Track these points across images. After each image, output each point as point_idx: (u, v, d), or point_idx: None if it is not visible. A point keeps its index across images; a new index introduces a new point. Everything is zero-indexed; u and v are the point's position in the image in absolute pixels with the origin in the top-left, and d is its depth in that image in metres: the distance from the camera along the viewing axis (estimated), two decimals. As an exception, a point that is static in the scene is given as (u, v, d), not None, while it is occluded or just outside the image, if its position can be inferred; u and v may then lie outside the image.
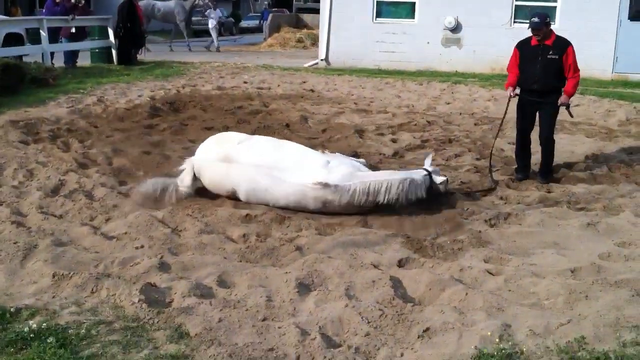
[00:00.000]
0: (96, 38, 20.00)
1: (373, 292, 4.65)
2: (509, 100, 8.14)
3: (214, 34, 27.76)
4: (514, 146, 8.36)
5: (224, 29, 28.57)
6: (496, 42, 19.38)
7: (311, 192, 6.36)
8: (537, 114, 7.98)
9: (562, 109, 7.96)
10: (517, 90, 7.94)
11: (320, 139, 9.98)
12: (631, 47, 19.19)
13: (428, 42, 20.52)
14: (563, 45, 7.68)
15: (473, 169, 8.42)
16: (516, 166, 8.21)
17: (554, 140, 8.05)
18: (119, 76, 16.77)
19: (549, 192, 7.45)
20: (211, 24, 27.63)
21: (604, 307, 4.40)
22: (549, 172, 8.01)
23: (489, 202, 7.09)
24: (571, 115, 8.34)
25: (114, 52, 20.11)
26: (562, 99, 7.77)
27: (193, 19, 29.48)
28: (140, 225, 5.92)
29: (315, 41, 28.59)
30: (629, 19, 19.32)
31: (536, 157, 8.17)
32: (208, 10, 27.98)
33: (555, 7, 19.60)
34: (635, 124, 11.72)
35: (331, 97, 14.58)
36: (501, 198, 7.25)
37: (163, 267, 5.00)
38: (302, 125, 11.05)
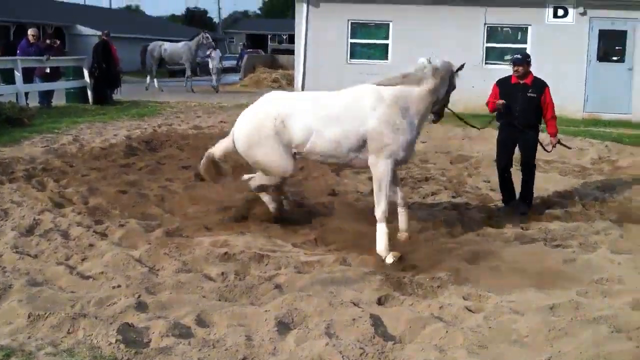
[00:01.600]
0: (71, 78, 20.01)
1: (353, 331, 4.62)
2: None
3: (216, 73, 28.17)
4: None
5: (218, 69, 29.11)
6: (468, 82, 19.59)
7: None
8: (517, 146, 8.41)
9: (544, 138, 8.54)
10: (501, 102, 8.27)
11: (297, 176, 9.98)
12: (600, 87, 19.67)
13: (402, 83, 20.80)
14: (541, 85, 8.24)
15: (450, 206, 8.48)
16: (503, 200, 8.63)
17: (535, 166, 8.47)
18: (95, 116, 16.74)
19: (525, 229, 7.52)
20: (212, 63, 28.02)
21: (584, 344, 4.41)
22: (530, 194, 8.43)
23: (468, 239, 7.13)
24: (569, 147, 9.25)
25: (89, 92, 20.09)
26: (553, 140, 8.46)
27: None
28: (116, 264, 5.86)
29: (290, 81, 28.84)
30: (597, 60, 19.85)
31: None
32: (210, 50, 28.38)
33: (525, 49, 20.02)
34: (607, 162, 11.95)
35: (307, 136, 14.62)
36: (479, 235, 7.29)
37: (140, 306, 4.93)
38: (279, 164, 11.04)
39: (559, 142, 8.49)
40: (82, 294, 5.21)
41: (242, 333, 4.51)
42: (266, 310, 4.88)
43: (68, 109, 18.10)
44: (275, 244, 6.66)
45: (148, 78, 27.38)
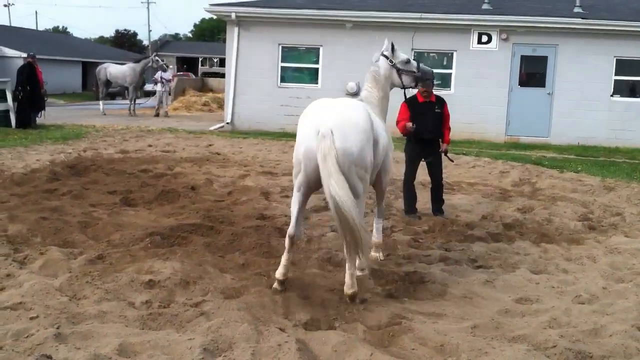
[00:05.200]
0: (-7, 101, 19.45)
1: (279, 356, 4.60)
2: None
3: (163, 97, 28.00)
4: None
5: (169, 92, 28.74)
6: (396, 106, 20.13)
7: None
8: (424, 162, 9.42)
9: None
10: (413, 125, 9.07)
11: (226, 201, 9.94)
12: (522, 112, 20.43)
13: (332, 106, 21.05)
14: (442, 101, 9.57)
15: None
16: (406, 210, 9.45)
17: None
18: (17, 140, 16.24)
19: (448, 250, 7.68)
20: (160, 86, 27.66)
21: (503, 362, 4.53)
22: (442, 202, 9.57)
23: (392, 262, 7.22)
24: (452, 160, 10.36)
25: (12, 115, 19.52)
26: (444, 147, 9.60)
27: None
28: (35, 294, 5.65)
29: (221, 105, 28.73)
30: (519, 84, 20.60)
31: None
32: (159, 73, 28.00)
33: (450, 74, 20.66)
34: (528, 184, 12.36)
35: (237, 160, 14.62)
36: (404, 257, 7.40)
37: (59, 337, 4.77)
38: (208, 188, 10.99)
39: (446, 151, 9.63)
40: (-2, 326, 5.02)
41: (165, 362, 4.43)
42: (191, 338, 4.80)
43: (-12, 133, 17.53)
44: (202, 269, 6.57)
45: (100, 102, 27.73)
